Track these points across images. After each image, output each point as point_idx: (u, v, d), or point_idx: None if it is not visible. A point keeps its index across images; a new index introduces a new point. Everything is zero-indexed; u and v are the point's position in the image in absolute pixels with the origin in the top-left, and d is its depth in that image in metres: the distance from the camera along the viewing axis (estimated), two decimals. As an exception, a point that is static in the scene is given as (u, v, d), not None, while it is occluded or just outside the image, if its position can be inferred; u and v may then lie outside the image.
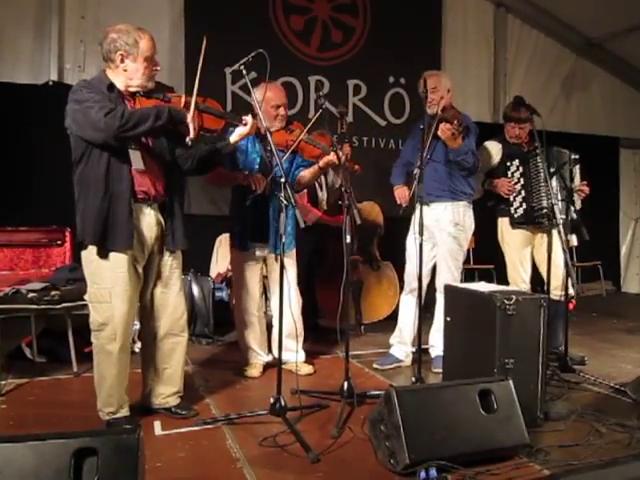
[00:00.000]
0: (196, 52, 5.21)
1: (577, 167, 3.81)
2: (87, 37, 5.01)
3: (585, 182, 3.83)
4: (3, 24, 4.78)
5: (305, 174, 3.35)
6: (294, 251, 3.44)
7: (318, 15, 5.84)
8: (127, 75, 2.51)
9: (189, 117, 2.47)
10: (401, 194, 3.66)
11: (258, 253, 3.32)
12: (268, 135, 2.68)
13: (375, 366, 3.59)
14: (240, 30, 5.23)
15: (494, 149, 3.86)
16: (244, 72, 2.67)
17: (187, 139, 2.48)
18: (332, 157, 3.12)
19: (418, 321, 3.16)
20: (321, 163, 3.21)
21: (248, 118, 2.68)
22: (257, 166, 3.25)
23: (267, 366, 3.43)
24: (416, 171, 3.42)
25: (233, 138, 2.70)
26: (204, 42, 2.60)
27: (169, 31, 5.23)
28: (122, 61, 2.49)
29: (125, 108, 2.41)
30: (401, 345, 3.65)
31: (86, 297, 2.56)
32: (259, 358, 3.42)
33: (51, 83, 4.89)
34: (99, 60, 5.30)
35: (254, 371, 3.37)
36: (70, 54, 4.99)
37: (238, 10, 5.40)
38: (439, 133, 3.28)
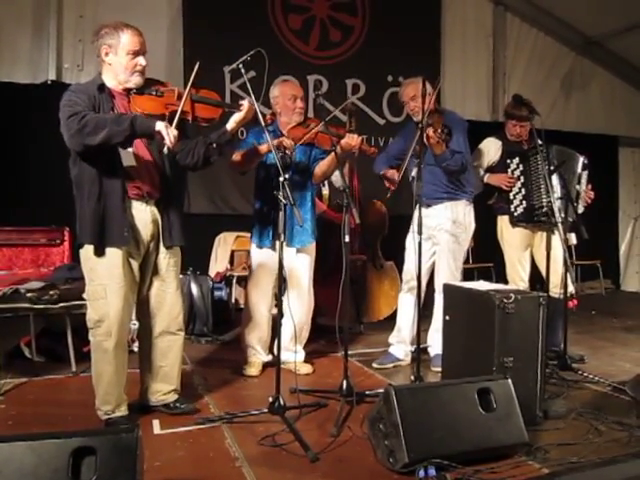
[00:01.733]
0: (195, 51, 5.28)
1: (585, 172, 3.79)
2: (85, 36, 4.99)
3: (590, 186, 3.83)
4: (1, 23, 4.78)
5: (324, 163, 3.34)
6: (313, 245, 3.45)
7: (316, 14, 5.84)
8: (113, 70, 2.51)
9: (160, 125, 2.35)
10: (391, 176, 3.59)
11: (276, 249, 3.31)
12: (262, 123, 2.67)
13: (374, 365, 3.59)
14: (239, 29, 5.24)
15: (494, 146, 3.86)
16: (242, 71, 2.67)
17: (164, 148, 2.39)
18: (348, 141, 3.12)
19: (417, 320, 3.16)
20: (338, 149, 3.14)
21: (244, 102, 2.65)
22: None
23: (266, 365, 3.43)
24: (414, 172, 3.43)
25: (230, 125, 2.67)
26: (196, 67, 2.56)
27: (167, 29, 5.23)
28: (106, 55, 2.50)
29: (88, 113, 2.34)
30: (400, 344, 3.65)
31: (84, 295, 2.57)
32: (258, 357, 3.42)
33: (50, 82, 4.89)
34: (97, 59, 5.31)
35: (253, 370, 3.37)
36: (69, 53, 4.99)
37: (237, 9, 5.41)
38: (425, 139, 3.26)
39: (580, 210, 3.76)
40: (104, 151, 2.39)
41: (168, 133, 2.35)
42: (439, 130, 3.20)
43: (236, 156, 3.20)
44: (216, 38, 5.24)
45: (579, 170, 3.74)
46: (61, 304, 3.24)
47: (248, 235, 3.55)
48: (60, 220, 4.00)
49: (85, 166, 2.44)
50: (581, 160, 3.74)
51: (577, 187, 3.72)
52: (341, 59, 5.92)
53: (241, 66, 2.66)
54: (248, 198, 3.57)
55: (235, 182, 5.37)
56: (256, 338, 3.39)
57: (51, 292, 3.23)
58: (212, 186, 5.34)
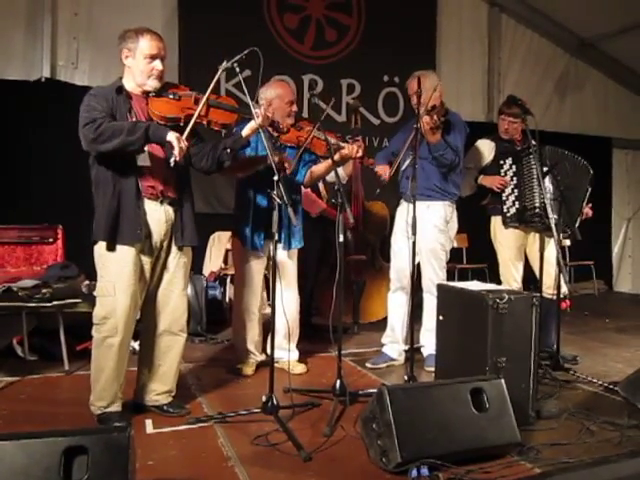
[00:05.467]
0: (190, 50, 5.27)
1: (590, 188, 3.76)
2: (80, 34, 4.98)
3: (590, 205, 3.83)
4: (-5, 20, 4.75)
5: (318, 168, 3.34)
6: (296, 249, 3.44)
7: (312, 13, 5.84)
8: (132, 73, 2.57)
9: (171, 136, 2.40)
10: (382, 169, 3.58)
11: (266, 249, 3.30)
12: (261, 131, 2.68)
13: (368, 365, 3.59)
14: (234, 28, 5.22)
15: (487, 147, 3.87)
16: (237, 70, 2.66)
17: (171, 160, 2.42)
18: (347, 151, 3.14)
19: (410, 319, 3.16)
20: (336, 157, 3.15)
21: (259, 110, 2.68)
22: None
23: (260, 364, 3.42)
24: (404, 166, 3.43)
25: (245, 132, 2.71)
26: (218, 73, 2.62)
27: (162, 28, 5.16)
28: (126, 58, 2.56)
29: (104, 121, 2.39)
30: (394, 344, 3.65)
31: (95, 292, 2.59)
32: (253, 357, 3.41)
33: (44, 80, 4.85)
34: (92, 57, 5.33)
35: (248, 369, 3.36)
36: (63, 51, 4.95)
37: (232, 8, 5.39)
38: (420, 126, 3.27)
39: (577, 224, 3.76)
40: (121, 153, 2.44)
41: (179, 145, 2.39)
42: (435, 117, 3.21)
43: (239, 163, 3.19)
44: (211, 37, 5.23)
45: (588, 185, 3.72)
46: (54, 302, 3.24)
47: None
48: (54, 218, 3.98)
49: (102, 165, 2.49)
50: (591, 174, 3.72)
51: (585, 194, 3.70)
52: (336, 59, 5.91)
53: (236, 65, 2.66)
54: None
55: (229, 181, 5.34)
56: (250, 339, 3.38)
57: (44, 290, 3.23)
58: (206, 185, 5.32)
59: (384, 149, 3.93)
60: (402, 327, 3.62)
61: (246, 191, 3.30)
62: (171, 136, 2.41)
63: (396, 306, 3.64)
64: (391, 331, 3.67)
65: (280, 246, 3.26)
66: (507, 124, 3.80)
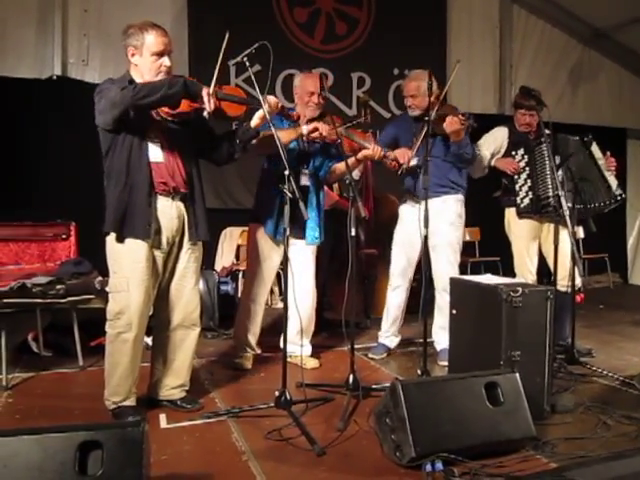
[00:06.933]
0: (200, 44, 5.26)
1: (594, 146, 3.71)
2: (90, 31, 4.99)
3: (608, 153, 3.74)
4: (6, 18, 4.76)
5: (340, 166, 3.34)
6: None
7: (322, 7, 5.82)
8: (139, 71, 2.55)
9: (205, 90, 2.45)
10: (403, 152, 3.42)
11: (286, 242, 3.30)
12: (272, 127, 2.66)
13: (371, 356, 3.64)
14: (244, 22, 5.20)
15: (501, 135, 3.85)
16: (247, 64, 2.65)
17: (205, 112, 2.46)
18: (371, 151, 3.17)
19: (422, 314, 3.13)
20: (359, 155, 3.19)
21: (266, 98, 2.65)
22: (295, 154, 3.24)
23: (268, 359, 3.41)
24: (414, 161, 3.41)
25: (254, 122, 2.70)
26: (226, 37, 2.64)
27: (172, 23, 5.18)
28: (132, 56, 2.54)
29: (138, 83, 2.44)
30: (391, 337, 3.73)
31: (107, 288, 2.60)
32: (250, 349, 3.39)
33: (55, 78, 4.87)
34: (103, 54, 5.34)
35: (247, 362, 3.36)
36: (74, 48, 4.97)
37: (242, 2, 5.38)
38: (445, 127, 3.27)
39: (615, 182, 3.69)
40: (136, 142, 2.47)
41: (209, 100, 2.45)
42: (460, 116, 3.19)
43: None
44: (221, 31, 5.18)
45: (587, 150, 3.66)
46: (68, 299, 3.26)
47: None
48: (66, 215, 4.00)
49: (115, 158, 2.49)
50: (585, 139, 3.67)
51: (599, 164, 3.65)
52: (346, 52, 5.90)
53: (246, 59, 2.65)
54: (254, 192, 3.55)
55: (241, 176, 5.36)
56: (251, 328, 3.37)
57: (58, 287, 3.24)
58: (217, 180, 5.33)
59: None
60: (398, 322, 3.69)
61: (265, 183, 3.31)
62: (204, 91, 2.46)
63: (394, 306, 3.67)
64: (388, 327, 3.71)
65: (302, 242, 3.29)
66: (528, 118, 3.74)
